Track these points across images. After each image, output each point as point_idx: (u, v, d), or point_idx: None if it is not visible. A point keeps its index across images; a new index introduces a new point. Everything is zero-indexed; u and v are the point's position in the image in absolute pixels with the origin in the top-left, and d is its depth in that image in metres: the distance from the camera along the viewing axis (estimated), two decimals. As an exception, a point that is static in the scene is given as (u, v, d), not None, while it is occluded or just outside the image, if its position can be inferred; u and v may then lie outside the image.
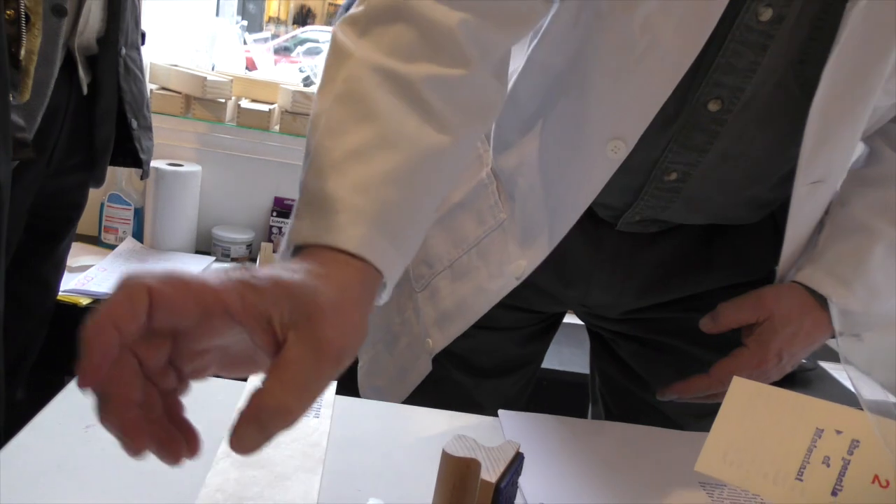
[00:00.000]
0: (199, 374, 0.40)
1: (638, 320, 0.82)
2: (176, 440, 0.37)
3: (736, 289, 0.72)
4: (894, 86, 0.60)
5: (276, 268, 0.40)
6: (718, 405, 0.79)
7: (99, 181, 1.30)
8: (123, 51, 1.21)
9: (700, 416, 0.81)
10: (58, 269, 1.33)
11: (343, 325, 0.39)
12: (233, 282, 0.37)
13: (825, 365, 1.89)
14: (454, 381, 0.83)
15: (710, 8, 0.55)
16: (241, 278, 0.37)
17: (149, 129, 1.35)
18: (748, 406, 0.45)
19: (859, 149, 0.75)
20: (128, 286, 0.35)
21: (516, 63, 0.69)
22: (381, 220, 0.45)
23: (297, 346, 0.37)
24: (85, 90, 1.17)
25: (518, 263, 0.72)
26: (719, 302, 0.71)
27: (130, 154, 1.30)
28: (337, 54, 0.50)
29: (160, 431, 0.37)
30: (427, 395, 0.81)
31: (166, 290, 0.35)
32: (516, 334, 0.84)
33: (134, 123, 1.27)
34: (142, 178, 1.37)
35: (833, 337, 0.71)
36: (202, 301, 0.36)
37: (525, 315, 0.78)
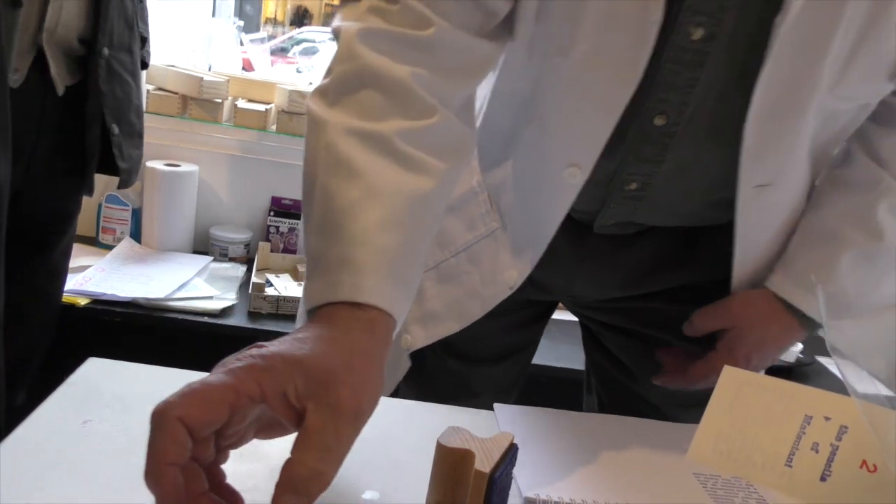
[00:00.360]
0: (238, 444, 0.44)
1: (623, 310, 0.83)
2: None
3: (722, 284, 0.73)
4: (847, 92, 0.62)
5: (285, 341, 0.43)
6: (706, 395, 0.81)
7: (90, 189, 1.25)
8: (106, 52, 1.16)
9: (687, 406, 0.82)
10: (54, 278, 1.29)
11: (356, 385, 0.42)
12: (246, 371, 0.41)
13: (822, 360, 1.90)
14: (449, 369, 0.84)
15: (642, 43, 0.58)
16: (253, 364, 0.41)
17: (136, 135, 1.29)
18: (738, 395, 0.45)
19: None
20: (163, 425, 0.39)
21: (486, 89, 0.73)
22: (381, 265, 0.48)
23: (315, 414, 0.41)
24: (60, 91, 1.13)
25: (510, 273, 0.75)
26: (704, 294, 0.74)
27: (109, 161, 1.24)
28: (313, 126, 0.54)
29: (207, 503, 0.41)
30: (423, 385, 0.82)
31: (195, 413, 0.39)
32: (510, 320, 0.85)
33: (115, 129, 1.21)
34: (119, 188, 1.31)
35: (805, 338, 0.74)
36: (227, 403, 0.40)
37: (517, 302, 0.79)
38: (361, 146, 0.51)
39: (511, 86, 0.70)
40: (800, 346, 1.87)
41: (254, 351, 0.42)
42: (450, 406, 0.72)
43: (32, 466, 0.52)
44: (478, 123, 0.75)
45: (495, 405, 0.73)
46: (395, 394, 0.84)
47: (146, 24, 1.37)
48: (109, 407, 0.60)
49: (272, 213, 1.97)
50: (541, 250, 0.73)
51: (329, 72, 0.56)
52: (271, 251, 1.90)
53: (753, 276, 0.74)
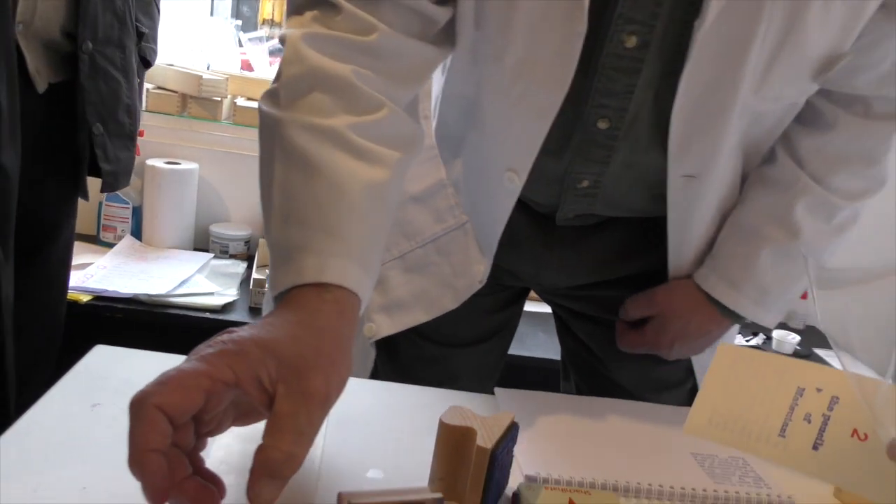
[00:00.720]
0: (216, 431, 0.46)
1: (590, 298, 0.85)
2: (208, 491, 0.43)
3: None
4: (771, 93, 0.64)
5: (256, 327, 0.45)
6: (677, 379, 0.84)
7: (84, 193, 1.18)
8: (89, 46, 1.09)
9: (660, 390, 0.85)
10: (50, 287, 1.21)
11: (326, 369, 0.44)
12: (218, 356, 0.42)
13: (820, 352, 1.91)
14: (426, 355, 0.85)
15: (569, 53, 0.60)
16: (225, 350, 0.43)
17: (125, 136, 1.20)
18: (732, 370, 0.46)
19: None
20: (141, 414, 0.40)
21: (437, 90, 0.76)
22: (344, 249, 0.50)
23: (286, 399, 0.42)
24: (41, 88, 1.06)
25: (478, 267, 0.78)
26: (664, 282, 0.77)
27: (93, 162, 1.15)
28: (267, 125, 0.56)
29: (192, 487, 0.42)
30: (401, 372, 0.83)
31: (171, 400, 0.40)
32: (486, 303, 0.85)
33: (98, 128, 1.13)
34: (102, 191, 1.22)
35: (730, 327, 0.78)
36: (202, 389, 0.41)
37: (492, 286, 0.81)
38: (317, 141, 0.53)
39: (457, 89, 0.72)
40: (797, 338, 1.88)
41: (224, 337, 0.44)
42: (451, 390, 0.73)
43: (43, 448, 0.53)
44: (434, 122, 0.77)
45: (496, 389, 0.74)
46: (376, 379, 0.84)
47: (151, 19, 1.32)
48: (118, 391, 0.61)
49: (272, 210, 1.98)
50: (493, 247, 0.76)
51: (278, 75, 0.58)
52: (271, 248, 1.91)
53: (689, 266, 0.77)
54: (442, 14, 0.63)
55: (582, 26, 0.59)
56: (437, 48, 0.63)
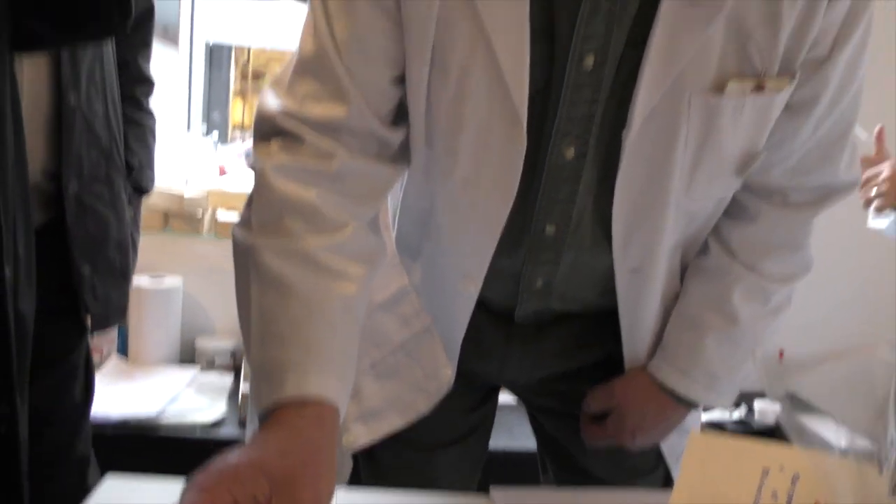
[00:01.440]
0: None
1: (553, 392, 0.88)
2: None
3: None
4: (698, 193, 0.70)
5: (246, 449, 0.50)
6: (647, 466, 0.86)
7: (82, 331, 1.10)
8: (75, 186, 1.03)
9: (632, 478, 0.87)
10: (74, 439, 1.11)
11: (314, 481, 0.49)
12: (216, 483, 0.47)
13: (804, 418, 1.94)
14: (405, 460, 0.86)
15: (512, 168, 0.66)
16: (222, 475, 0.47)
17: (116, 273, 1.13)
18: (704, 458, 0.51)
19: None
20: None
21: (394, 203, 0.81)
22: (321, 363, 0.55)
23: None
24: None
25: (445, 371, 0.81)
26: (621, 370, 0.81)
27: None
28: (242, 252, 0.63)
29: None
30: (382, 479, 0.84)
31: None
32: (460, 401, 0.87)
33: (85, 269, 1.06)
34: (91, 330, 1.13)
35: (686, 413, 0.81)
36: None
37: (462, 386, 0.83)
38: (289, 263, 0.59)
39: (413, 202, 0.78)
40: (778, 407, 1.91)
41: (220, 464, 0.48)
42: (441, 491, 0.75)
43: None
44: (393, 233, 0.82)
45: (492, 488, 0.76)
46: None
47: (146, 146, 1.29)
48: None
49: (256, 319, 2.00)
50: (457, 350, 0.80)
51: (249, 204, 0.64)
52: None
53: (644, 355, 0.81)
54: (396, 136, 0.68)
55: (521, 145, 0.64)
56: (393, 167, 0.69)
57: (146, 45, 1.33)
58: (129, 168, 1.24)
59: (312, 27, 0.64)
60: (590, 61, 0.63)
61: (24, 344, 0.82)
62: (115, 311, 1.16)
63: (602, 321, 0.82)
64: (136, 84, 1.30)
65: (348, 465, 0.83)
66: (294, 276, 0.58)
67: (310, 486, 0.48)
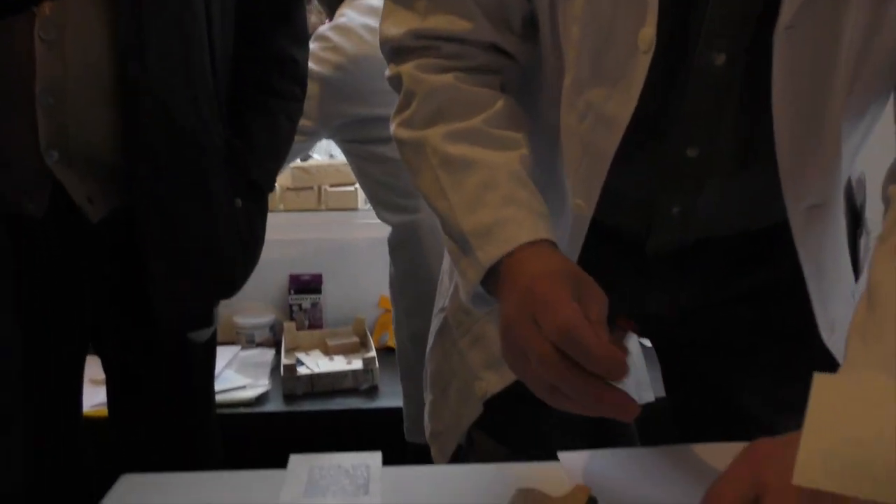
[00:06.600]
0: None
1: (701, 321, 0.78)
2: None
3: (797, 281, 0.68)
4: (864, 87, 0.60)
5: (543, 275, 0.55)
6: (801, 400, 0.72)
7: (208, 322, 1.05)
8: (144, 171, 0.91)
9: (781, 411, 0.74)
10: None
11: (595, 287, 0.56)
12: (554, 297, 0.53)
13: None
14: (519, 416, 0.77)
15: (633, 70, 0.60)
16: (546, 299, 0.53)
17: (198, 278, 0.99)
18: (834, 403, 0.40)
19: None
20: (571, 336, 0.51)
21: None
22: (532, 216, 0.60)
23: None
24: (94, 218, 0.91)
25: None
26: (783, 293, 0.72)
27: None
28: (414, 147, 0.67)
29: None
30: (498, 435, 0.78)
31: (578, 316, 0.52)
32: None
33: (157, 267, 0.93)
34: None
35: None
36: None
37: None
38: (464, 143, 0.64)
39: (548, 113, 0.70)
40: None
41: (529, 302, 0.53)
42: (503, 465, 0.67)
43: None
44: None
45: (560, 454, 0.68)
46: (471, 444, 0.79)
47: (273, 136, 1.09)
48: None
49: (292, 292, 1.95)
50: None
51: (406, 104, 0.68)
52: (297, 329, 1.87)
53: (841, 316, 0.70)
54: (522, 46, 0.69)
55: (647, 43, 0.58)
56: (520, 69, 0.70)
57: (286, 19, 1.08)
58: (243, 160, 1.04)
59: None
60: None
61: None
62: (187, 318, 1.00)
63: (759, 238, 0.73)
64: (268, 64, 1.08)
65: (477, 411, 0.77)
66: (473, 153, 0.63)
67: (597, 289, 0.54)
